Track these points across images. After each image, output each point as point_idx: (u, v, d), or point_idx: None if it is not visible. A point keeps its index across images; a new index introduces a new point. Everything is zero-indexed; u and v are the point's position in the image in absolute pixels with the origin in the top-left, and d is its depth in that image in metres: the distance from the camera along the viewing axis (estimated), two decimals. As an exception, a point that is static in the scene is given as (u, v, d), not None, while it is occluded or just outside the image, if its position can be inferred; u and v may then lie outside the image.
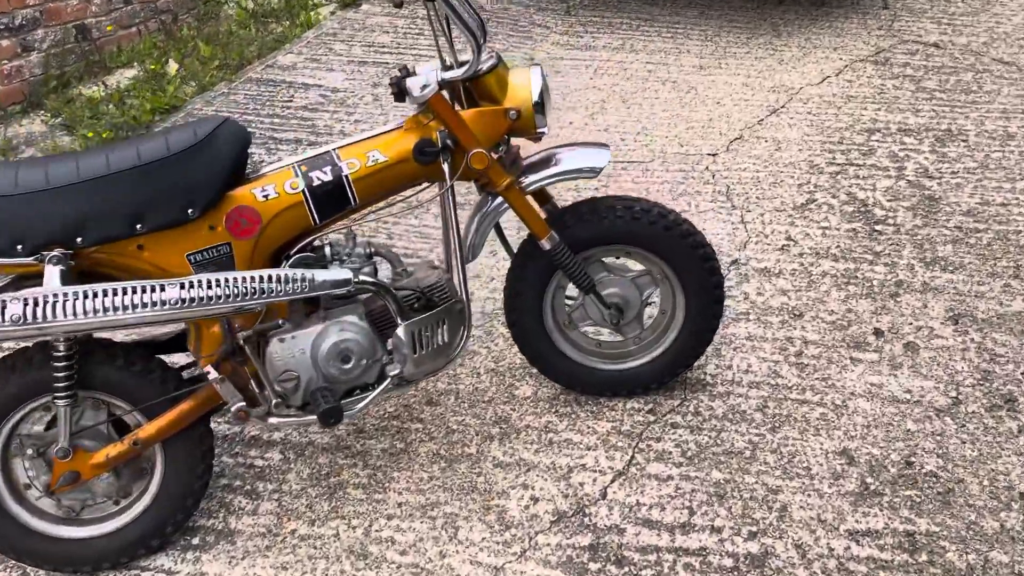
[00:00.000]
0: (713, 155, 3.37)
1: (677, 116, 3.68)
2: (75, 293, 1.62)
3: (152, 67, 4.46)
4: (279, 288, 1.76)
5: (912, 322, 2.46)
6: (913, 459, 2.04)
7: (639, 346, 2.23)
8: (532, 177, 1.97)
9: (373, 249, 1.96)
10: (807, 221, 2.93)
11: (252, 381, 1.89)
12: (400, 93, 1.84)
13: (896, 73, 3.97)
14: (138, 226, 1.72)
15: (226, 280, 1.72)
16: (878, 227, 2.87)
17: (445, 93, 1.87)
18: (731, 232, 2.90)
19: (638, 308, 2.16)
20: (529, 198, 1.99)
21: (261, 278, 1.76)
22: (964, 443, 2.07)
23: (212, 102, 4.16)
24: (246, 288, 1.73)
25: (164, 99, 4.16)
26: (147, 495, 1.93)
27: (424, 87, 1.81)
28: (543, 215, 2.07)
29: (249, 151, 1.92)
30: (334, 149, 1.88)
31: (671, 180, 3.22)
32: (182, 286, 1.70)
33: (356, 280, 1.83)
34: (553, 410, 2.26)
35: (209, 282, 1.71)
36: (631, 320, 2.17)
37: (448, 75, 1.82)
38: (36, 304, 1.60)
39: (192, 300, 1.70)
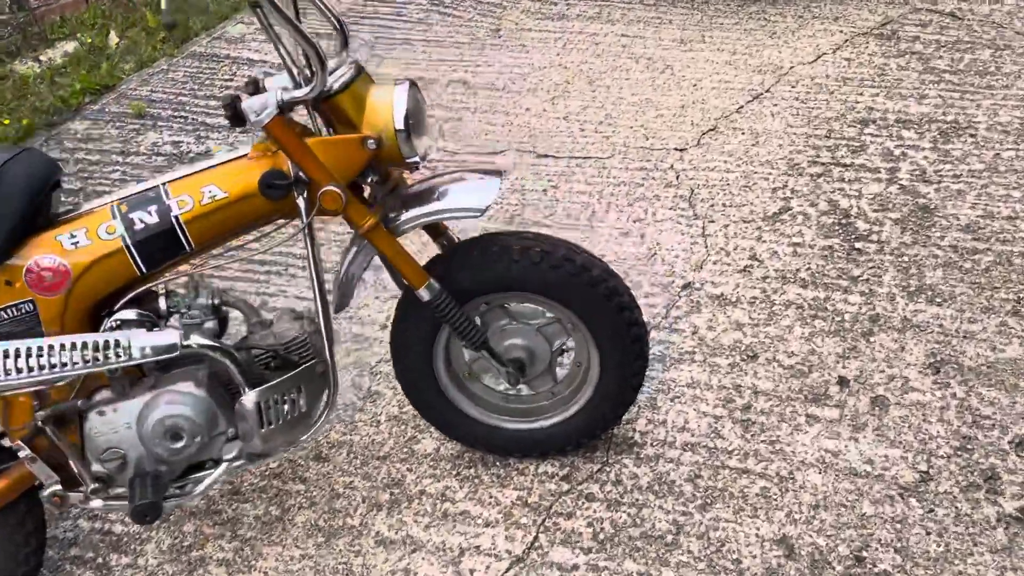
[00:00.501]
0: (681, 150, 2.97)
1: (647, 102, 3.27)
2: None
3: (89, 40, 4.13)
4: (86, 358, 1.47)
5: (885, 369, 2.09)
6: (864, 554, 1.70)
7: (552, 402, 1.90)
8: (404, 217, 1.62)
9: (220, 299, 1.64)
10: (777, 236, 2.54)
11: (72, 458, 1.60)
12: (236, 116, 1.50)
13: (903, 49, 3.50)
14: (-96, 286, 1.42)
15: (6, 353, 1.43)
16: (859, 245, 2.48)
17: (302, 111, 1.53)
18: (688, 247, 2.53)
19: (547, 361, 1.83)
20: (405, 239, 1.65)
21: (62, 346, 1.47)
22: (929, 535, 1.72)
23: (148, 80, 3.82)
24: (40, 362, 1.44)
25: (98, 77, 3.84)
26: (-36, 582, 1.67)
27: (262, 110, 1.47)
28: (438, 251, 1.74)
29: (60, 184, 1.60)
30: (163, 183, 1.56)
31: (629, 180, 2.84)
32: (-45, 361, 1.41)
33: (184, 344, 1.53)
34: (455, 472, 1.95)
35: (-12, 355, 1.42)
36: (540, 374, 1.85)
37: (288, 96, 1.48)
38: None
39: (-32, 378, 1.41)
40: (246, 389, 1.60)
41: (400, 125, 1.51)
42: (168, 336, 1.52)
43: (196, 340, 1.55)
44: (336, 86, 1.50)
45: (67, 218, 1.55)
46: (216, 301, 1.63)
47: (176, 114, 3.55)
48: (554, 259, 1.66)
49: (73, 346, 1.47)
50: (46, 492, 1.61)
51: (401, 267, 1.63)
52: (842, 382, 2.06)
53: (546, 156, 3.00)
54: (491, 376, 1.88)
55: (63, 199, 1.65)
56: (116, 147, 3.39)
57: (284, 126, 1.49)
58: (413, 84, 1.57)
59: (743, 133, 3.03)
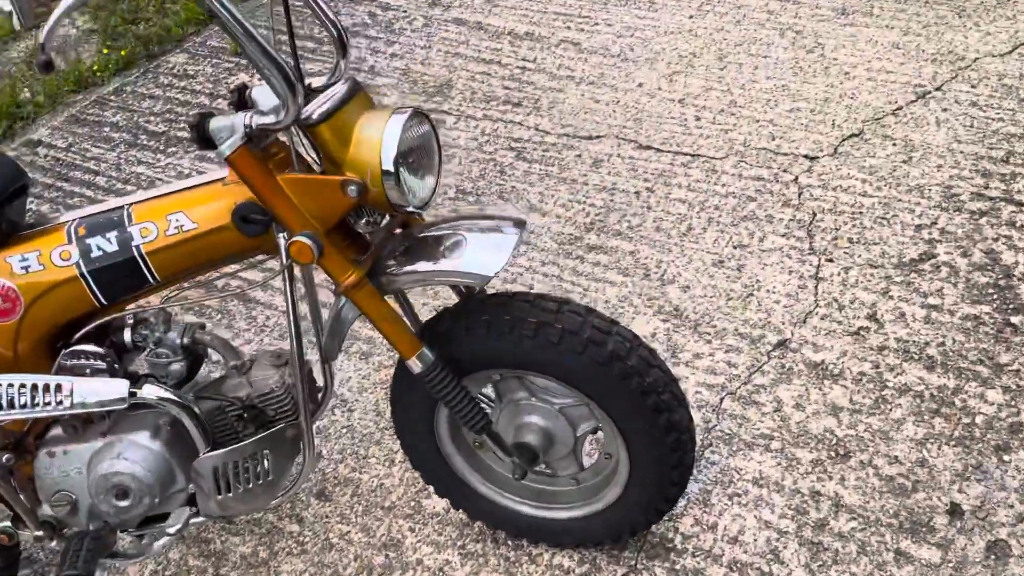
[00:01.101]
0: (811, 159, 2.46)
1: (783, 89, 2.74)
2: None
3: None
4: (23, 401, 1.32)
5: (1015, 504, 1.62)
6: None
7: (575, 490, 1.59)
8: (398, 272, 1.33)
9: (193, 337, 1.43)
10: (909, 292, 2.04)
11: (13, 503, 1.47)
12: (206, 138, 1.24)
13: None
14: None
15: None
16: (1016, 320, 1.94)
17: (292, 137, 1.26)
18: (794, 292, 2.08)
19: (569, 447, 1.51)
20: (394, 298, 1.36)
21: (-1, 386, 1.31)
22: None
23: (253, 14, 3.64)
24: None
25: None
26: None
27: (228, 136, 1.21)
28: (437, 317, 1.44)
29: (26, 191, 1.42)
30: (128, 205, 1.35)
31: (740, 192, 2.38)
32: None
33: (135, 394, 1.33)
34: (460, 544, 1.70)
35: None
36: (562, 457, 1.53)
37: (258, 122, 1.20)
38: None
39: None
40: (204, 448, 1.40)
41: (388, 167, 1.20)
42: (115, 387, 1.33)
43: (149, 391, 1.36)
44: (316, 115, 1.20)
45: (24, 235, 1.38)
46: (187, 340, 1.42)
47: (271, 55, 3.35)
48: (576, 341, 1.32)
49: (11, 386, 1.31)
50: (-3, 528, 1.49)
51: (388, 333, 1.34)
52: (954, 512, 1.62)
53: (648, 148, 2.57)
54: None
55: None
56: (207, 88, 3.25)
57: (250, 159, 1.22)
58: (417, 112, 1.25)
59: (894, 144, 2.46)
